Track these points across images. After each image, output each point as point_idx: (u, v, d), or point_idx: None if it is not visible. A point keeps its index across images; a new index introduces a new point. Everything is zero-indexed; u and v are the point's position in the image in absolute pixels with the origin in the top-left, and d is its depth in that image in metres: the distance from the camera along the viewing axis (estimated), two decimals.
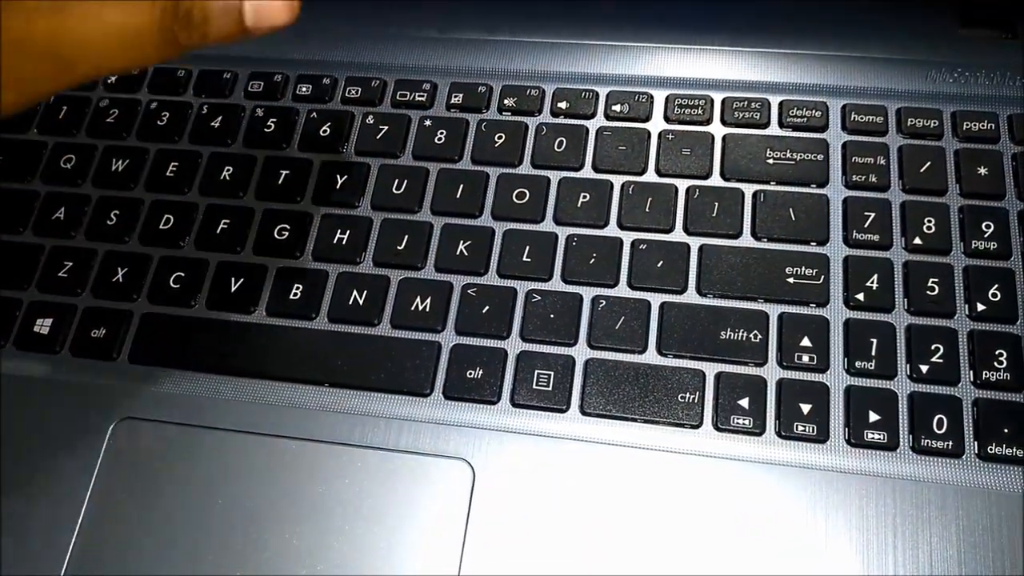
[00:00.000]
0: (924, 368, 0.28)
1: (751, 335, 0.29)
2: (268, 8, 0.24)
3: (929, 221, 0.31)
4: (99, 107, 0.37)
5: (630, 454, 0.28)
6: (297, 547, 0.28)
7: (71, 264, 0.33)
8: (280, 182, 0.34)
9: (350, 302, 0.31)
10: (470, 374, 0.30)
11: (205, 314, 0.32)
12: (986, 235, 0.30)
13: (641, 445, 0.28)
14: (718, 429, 0.28)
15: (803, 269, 0.30)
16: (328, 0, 0.37)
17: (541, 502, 0.28)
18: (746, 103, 0.33)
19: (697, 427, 0.28)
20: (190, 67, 0.37)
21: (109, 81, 0.37)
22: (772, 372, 0.29)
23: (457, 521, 0.28)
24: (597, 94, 0.34)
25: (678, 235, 0.31)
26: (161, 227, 0.34)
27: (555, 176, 0.33)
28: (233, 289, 0.32)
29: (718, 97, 0.34)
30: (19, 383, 0.31)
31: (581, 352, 0.30)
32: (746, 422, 0.28)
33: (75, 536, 0.29)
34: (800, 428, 0.28)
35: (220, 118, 0.36)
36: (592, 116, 0.34)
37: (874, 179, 0.31)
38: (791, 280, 0.30)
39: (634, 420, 0.29)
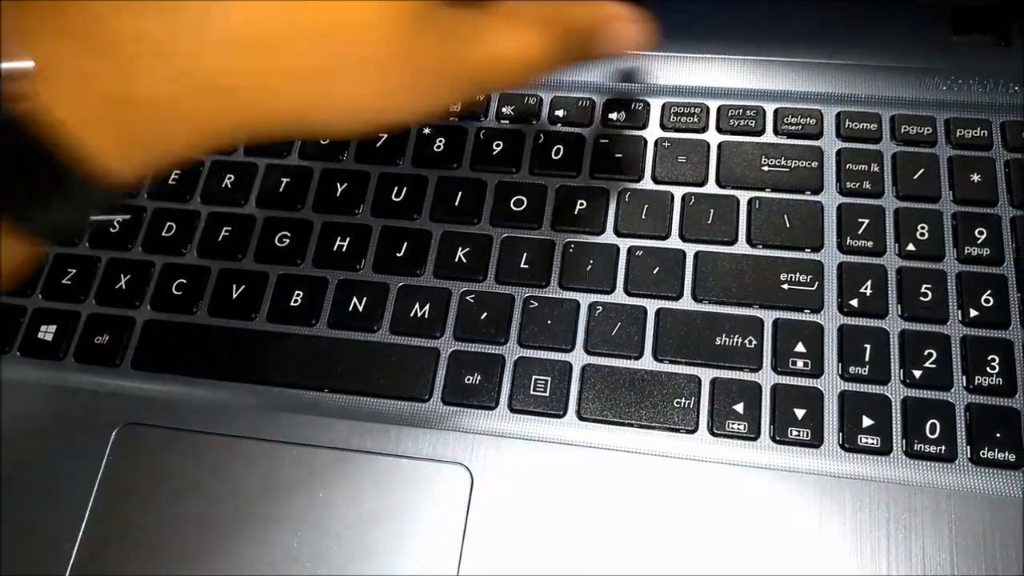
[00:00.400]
0: (917, 373, 0.29)
1: (746, 341, 0.30)
2: (627, 36, 0.27)
3: (922, 227, 0.31)
4: None
5: (626, 459, 0.28)
6: (298, 551, 0.28)
7: (75, 271, 0.34)
8: (281, 189, 0.34)
9: (350, 308, 0.32)
10: (468, 380, 0.30)
11: (207, 321, 0.32)
12: (979, 241, 0.30)
13: (637, 450, 0.29)
14: (713, 434, 0.29)
15: (797, 275, 0.30)
16: None
17: (538, 506, 0.28)
18: (741, 111, 0.34)
19: (693, 432, 0.29)
20: None
21: None
22: (767, 377, 0.29)
23: (455, 525, 0.28)
24: (594, 102, 0.35)
25: (674, 242, 0.32)
26: (164, 235, 0.34)
27: (552, 183, 0.33)
28: (234, 296, 0.32)
29: (714, 105, 0.34)
30: (23, 389, 0.32)
31: (578, 358, 0.30)
32: (741, 427, 0.29)
33: (79, 541, 0.29)
34: (794, 433, 0.28)
35: None
36: (589, 124, 0.34)
37: (868, 186, 0.32)
38: (786, 286, 0.30)
39: (630, 425, 0.29)
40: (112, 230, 0.34)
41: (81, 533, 0.29)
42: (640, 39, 0.27)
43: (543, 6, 0.26)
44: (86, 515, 0.29)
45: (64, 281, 0.34)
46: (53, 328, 0.33)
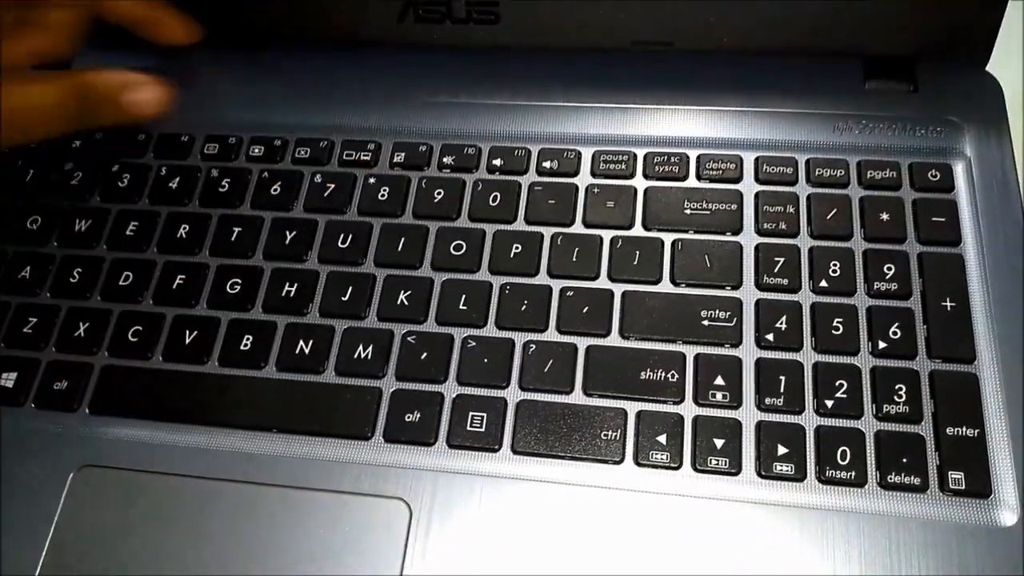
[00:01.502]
0: (829, 403, 0.30)
1: (669, 375, 0.31)
2: (146, 102, 0.33)
3: (835, 265, 0.33)
4: (64, 169, 0.39)
5: (557, 490, 0.30)
6: None
7: (35, 320, 0.35)
8: (233, 239, 0.36)
9: (297, 351, 0.33)
10: (408, 418, 0.32)
11: (162, 365, 0.34)
12: (887, 276, 0.32)
13: (567, 481, 0.30)
14: (639, 464, 0.30)
15: (718, 312, 0.32)
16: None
17: (473, 537, 0.29)
18: (666, 157, 0.36)
19: (619, 463, 0.30)
20: (151, 131, 0.39)
21: (74, 145, 0.39)
22: (689, 409, 0.31)
23: (395, 558, 0.29)
24: (529, 151, 0.37)
25: (603, 282, 0.34)
26: (121, 283, 0.36)
27: (490, 228, 0.35)
28: (188, 341, 0.34)
29: (640, 152, 0.36)
30: None
31: (513, 394, 0.32)
32: (664, 457, 0.30)
33: (38, 569, 0.30)
34: (714, 462, 0.30)
35: (177, 179, 0.38)
36: (525, 172, 0.36)
37: (784, 226, 0.34)
38: (706, 323, 0.32)
39: (561, 457, 0.31)
40: (72, 280, 0.36)
41: (39, 568, 0.30)
42: (157, 105, 0.33)
43: (61, 73, 0.33)
44: (43, 552, 0.31)
45: (25, 330, 0.35)
46: (14, 375, 0.34)
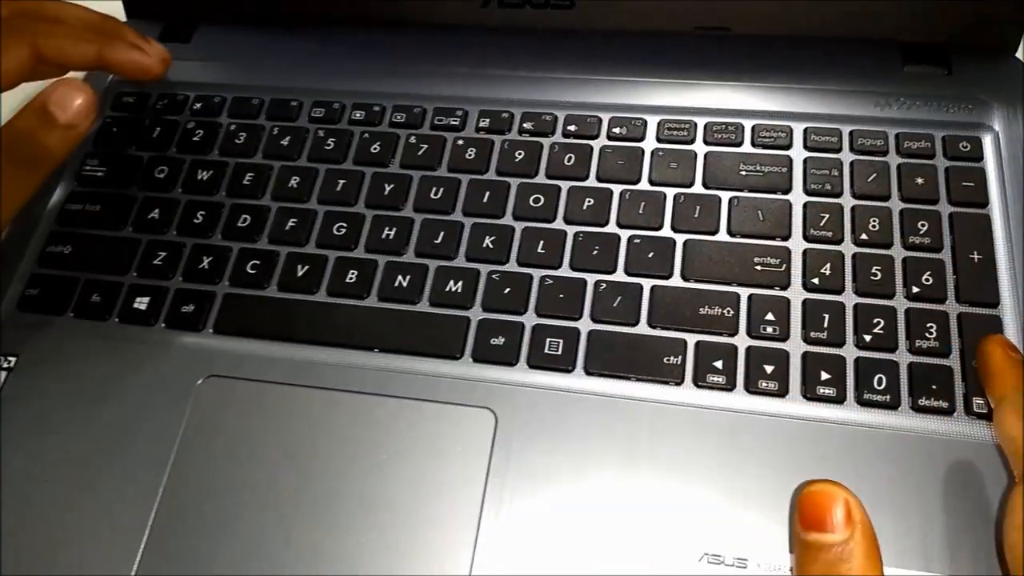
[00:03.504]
0: (868, 337, 0.34)
1: (725, 311, 0.36)
2: (70, 101, 0.33)
3: (874, 220, 0.37)
4: (186, 128, 0.44)
5: (625, 404, 0.34)
6: (351, 479, 0.34)
7: (164, 254, 0.40)
8: (338, 189, 0.41)
9: (395, 284, 0.38)
10: (493, 341, 0.36)
11: (276, 294, 0.39)
12: (921, 232, 0.37)
13: (634, 397, 0.34)
14: (697, 385, 0.34)
15: (769, 259, 0.37)
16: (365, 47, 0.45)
17: (551, 442, 0.34)
18: (724, 126, 0.40)
19: (680, 384, 0.35)
20: (264, 96, 0.44)
21: (196, 107, 0.45)
22: (742, 340, 0.35)
23: (482, 456, 0.34)
24: (600, 119, 0.41)
25: (666, 232, 0.38)
26: (239, 224, 0.41)
27: (565, 185, 0.40)
28: (299, 274, 0.39)
29: (701, 121, 0.41)
30: (122, 348, 0.38)
31: (585, 325, 0.36)
32: (720, 379, 0.34)
33: (167, 471, 0.35)
34: (764, 384, 0.34)
35: (288, 137, 0.43)
36: (596, 137, 0.41)
37: (829, 187, 0.38)
38: (759, 268, 0.36)
39: (628, 378, 0.35)
40: (195, 221, 0.41)
41: (169, 465, 0.35)
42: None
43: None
44: (173, 450, 0.35)
45: (155, 262, 0.40)
46: (147, 299, 0.39)
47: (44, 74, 0.39)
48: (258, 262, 0.40)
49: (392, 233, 0.39)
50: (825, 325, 0.35)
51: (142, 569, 0.33)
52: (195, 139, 0.44)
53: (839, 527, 0.26)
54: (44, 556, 0.34)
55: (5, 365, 0.38)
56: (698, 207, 0.38)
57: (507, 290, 0.37)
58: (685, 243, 0.38)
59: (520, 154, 0.41)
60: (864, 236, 0.37)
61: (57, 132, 0.33)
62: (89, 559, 0.33)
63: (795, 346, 0.35)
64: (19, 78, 0.37)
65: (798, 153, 0.39)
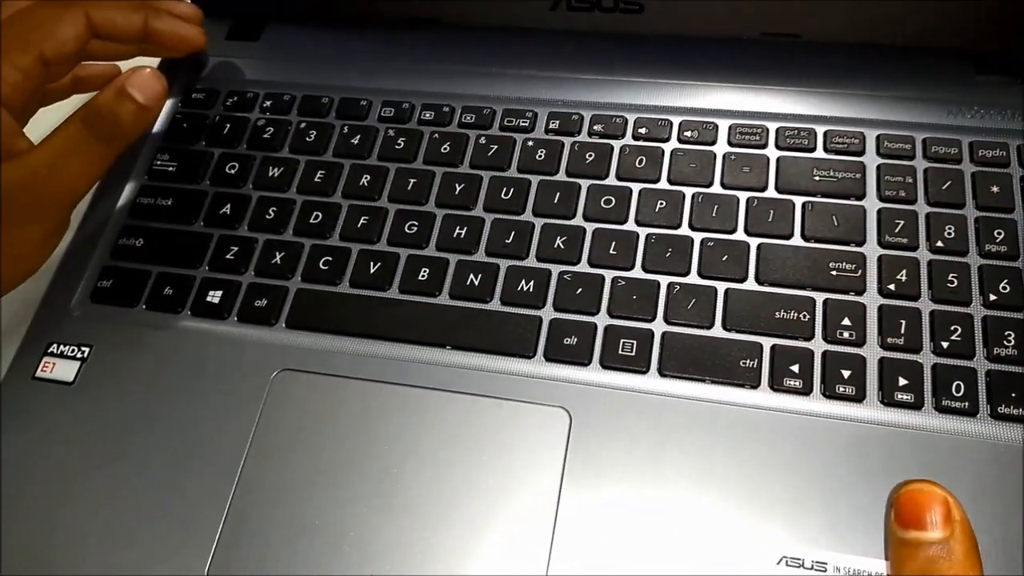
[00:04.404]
0: (945, 344, 0.34)
1: (801, 315, 0.36)
2: (146, 84, 0.36)
3: (949, 228, 0.37)
4: (256, 125, 0.45)
5: (700, 406, 0.34)
6: (425, 475, 0.34)
7: (236, 249, 0.41)
8: (408, 188, 0.41)
9: (467, 283, 0.38)
10: (566, 341, 0.36)
11: (348, 290, 0.39)
12: (997, 240, 0.36)
13: (709, 399, 0.34)
14: (773, 389, 0.34)
15: (844, 264, 0.37)
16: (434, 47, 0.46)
17: (626, 441, 0.34)
18: (796, 132, 0.40)
19: (756, 387, 0.35)
20: (333, 95, 0.45)
21: (265, 104, 0.45)
22: (818, 345, 0.35)
23: (557, 455, 0.34)
24: (671, 122, 0.42)
25: (740, 235, 0.38)
26: (311, 221, 0.41)
27: (636, 187, 0.40)
28: (371, 271, 0.39)
29: (773, 126, 0.41)
30: (195, 340, 0.38)
31: (659, 326, 0.36)
32: (797, 383, 0.34)
33: (244, 458, 0.35)
34: (841, 389, 0.34)
35: (359, 136, 0.43)
36: (667, 140, 0.41)
37: (903, 194, 0.38)
38: (834, 272, 0.36)
39: (703, 380, 0.35)
40: (267, 217, 0.41)
41: (245, 454, 0.35)
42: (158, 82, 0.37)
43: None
44: (248, 443, 0.36)
45: (228, 257, 0.41)
46: (219, 293, 0.40)
47: (93, 52, 0.41)
48: (330, 258, 0.40)
49: (463, 232, 0.40)
50: (902, 331, 0.35)
51: (215, 566, 0.33)
52: (265, 136, 0.44)
53: (938, 525, 0.26)
54: (116, 550, 0.34)
55: (79, 355, 0.39)
56: (772, 211, 0.38)
57: (579, 290, 0.38)
58: (759, 247, 0.38)
59: (590, 156, 0.41)
60: (940, 243, 0.37)
61: (133, 111, 0.36)
62: (162, 554, 0.34)
63: (872, 352, 0.35)
64: (77, 46, 0.38)
65: (871, 159, 0.39)
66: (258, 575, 0.33)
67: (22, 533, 0.35)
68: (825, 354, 0.35)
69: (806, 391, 0.34)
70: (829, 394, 0.34)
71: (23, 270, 0.38)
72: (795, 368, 0.35)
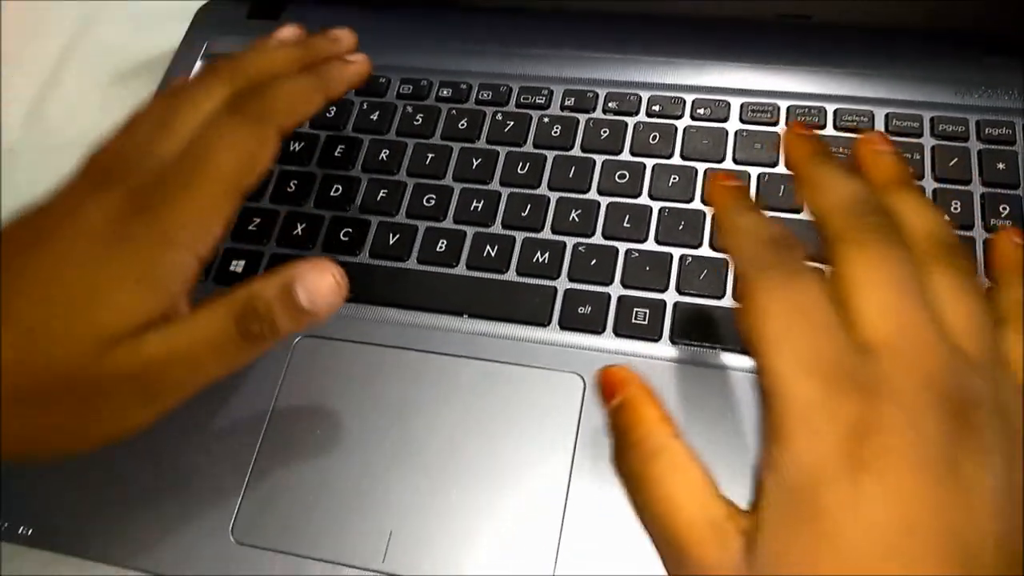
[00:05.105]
0: None
1: None
2: (318, 290, 0.28)
3: (956, 203, 0.38)
4: None
5: (712, 372, 0.35)
6: (442, 439, 0.35)
7: (259, 220, 0.42)
8: (427, 162, 0.42)
9: (484, 254, 0.39)
10: (580, 310, 0.37)
11: (368, 261, 0.40)
12: (1003, 215, 0.37)
13: (721, 365, 0.35)
14: None
15: None
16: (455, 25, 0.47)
17: None
18: (807, 109, 0.41)
19: None
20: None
21: None
22: None
23: (571, 418, 0.35)
24: (684, 100, 0.42)
25: None
26: (331, 195, 0.42)
27: (650, 162, 0.41)
28: (390, 242, 0.40)
29: (783, 104, 0.42)
30: None
31: (671, 296, 0.37)
32: None
33: (263, 432, 0.36)
34: None
35: (377, 112, 0.44)
36: (680, 117, 0.42)
37: (911, 171, 0.39)
38: None
39: (714, 348, 0.36)
40: (288, 190, 0.42)
41: (267, 419, 0.36)
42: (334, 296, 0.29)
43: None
44: (270, 410, 0.37)
45: (250, 228, 0.42)
46: (242, 263, 0.41)
47: None
48: (350, 230, 0.41)
49: (480, 205, 0.41)
50: None
51: (238, 527, 0.34)
52: (328, 115, 0.45)
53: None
54: (144, 511, 0.35)
55: None
56: (782, 186, 0.39)
57: (593, 262, 0.38)
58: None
59: (605, 132, 0.42)
60: (946, 218, 0.37)
61: (296, 320, 0.29)
62: (186, 517, 0.35)
63: None
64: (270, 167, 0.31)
65: None
66: (280, 534, 0.34)
67: (49, 496, 0.36)
68: None
69: None
70: None
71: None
72: None
